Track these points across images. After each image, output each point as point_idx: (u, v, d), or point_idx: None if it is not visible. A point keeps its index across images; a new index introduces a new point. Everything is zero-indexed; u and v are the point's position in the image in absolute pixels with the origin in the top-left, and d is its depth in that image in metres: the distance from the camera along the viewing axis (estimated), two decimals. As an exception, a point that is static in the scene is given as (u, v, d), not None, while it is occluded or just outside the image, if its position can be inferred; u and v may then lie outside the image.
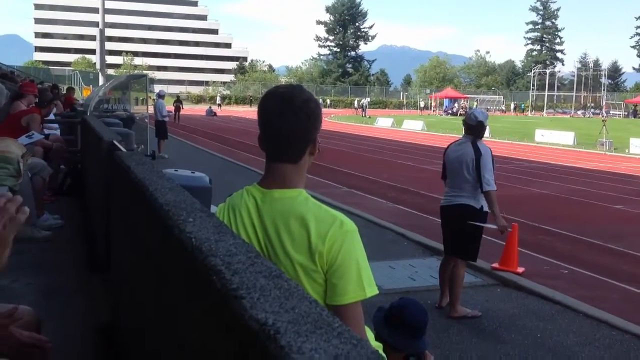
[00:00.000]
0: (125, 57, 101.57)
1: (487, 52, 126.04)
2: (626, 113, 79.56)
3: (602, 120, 31.42)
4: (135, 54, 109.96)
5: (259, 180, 2.09)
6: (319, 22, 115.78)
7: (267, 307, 1.03)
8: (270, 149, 2.03)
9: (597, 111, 79.27)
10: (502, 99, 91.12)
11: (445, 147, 6.53)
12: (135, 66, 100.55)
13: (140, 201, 2.34)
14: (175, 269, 1.66)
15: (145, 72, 64.15)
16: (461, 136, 6.35)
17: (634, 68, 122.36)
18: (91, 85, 52.53)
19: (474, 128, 6.17)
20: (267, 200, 2.01)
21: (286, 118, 1.95)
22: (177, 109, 37.02)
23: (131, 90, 20.61)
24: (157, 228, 1.90)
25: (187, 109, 57.40)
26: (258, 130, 2.04)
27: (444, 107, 74.95)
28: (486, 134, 6.42)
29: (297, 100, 1.96)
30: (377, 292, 1.95)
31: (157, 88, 36.12)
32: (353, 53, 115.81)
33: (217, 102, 73.16)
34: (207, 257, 1.30)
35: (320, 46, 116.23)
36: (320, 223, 1.92)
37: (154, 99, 21.65)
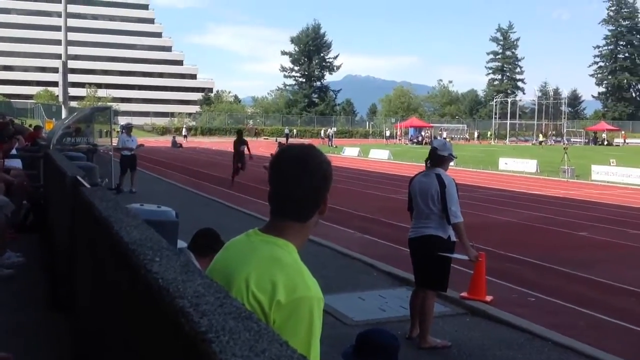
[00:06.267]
0: (88, 89, 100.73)
1: (450, 82, 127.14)
2: (586, 140, 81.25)
3: (564, 148, 31.99)
4: (99, 85, 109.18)
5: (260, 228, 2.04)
6: (284, 53, 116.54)
7: (237, 350, 1.00)
8: (281, 208, 1.96)
9: (558, 139, 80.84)
10: (465, 128, 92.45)
11: (411, 177, 6.57)
12: (99, 98, 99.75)
13: (104, 239, 2.30)
14: (142, 310, 1.62)
15: (109, 104, 63.65)
16: (426, 167, 6.42)
17: (592, 96, 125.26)
18: (54, 119, 51.88)
19: (438, 159, 6.24)
20: (254, 237, 1.98)
21: (301, 180, 1.91)
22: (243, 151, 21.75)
23: (95, 123, 20.44)
24: (122, 267, 1.86)
25: (152, 141, 56.89)
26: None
27: (410, 136, 75.90)
28: (451, 162, 6.50)
29: (312, 163, 1.93)
30: None
31: (122, 120, 35.61)
32: (318, 83, 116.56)
33: (183, 134, 72.77)
34: (174, 299, 1.26)
35: (285, 76, 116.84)
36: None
37: (118, 131, 21.48)
